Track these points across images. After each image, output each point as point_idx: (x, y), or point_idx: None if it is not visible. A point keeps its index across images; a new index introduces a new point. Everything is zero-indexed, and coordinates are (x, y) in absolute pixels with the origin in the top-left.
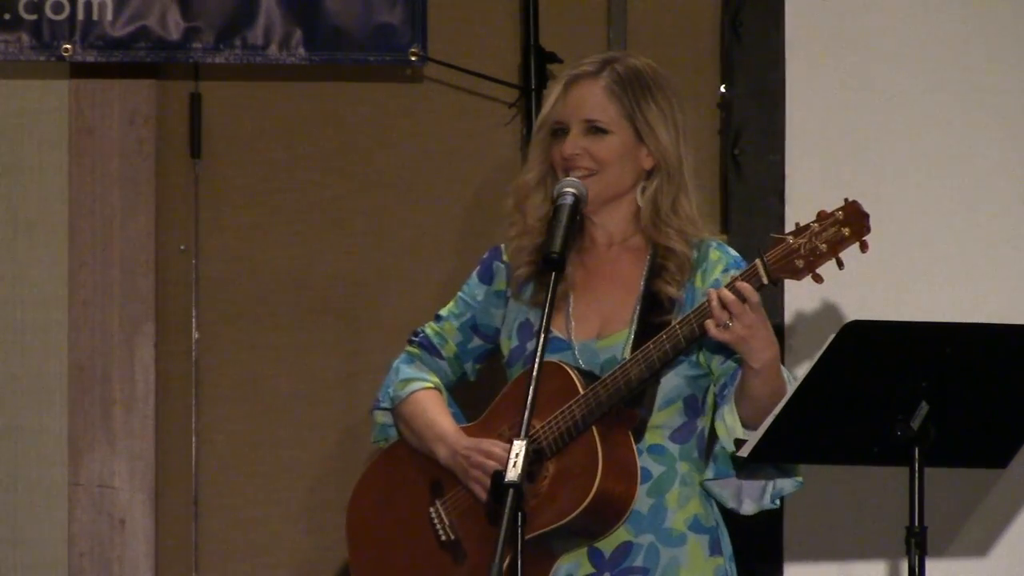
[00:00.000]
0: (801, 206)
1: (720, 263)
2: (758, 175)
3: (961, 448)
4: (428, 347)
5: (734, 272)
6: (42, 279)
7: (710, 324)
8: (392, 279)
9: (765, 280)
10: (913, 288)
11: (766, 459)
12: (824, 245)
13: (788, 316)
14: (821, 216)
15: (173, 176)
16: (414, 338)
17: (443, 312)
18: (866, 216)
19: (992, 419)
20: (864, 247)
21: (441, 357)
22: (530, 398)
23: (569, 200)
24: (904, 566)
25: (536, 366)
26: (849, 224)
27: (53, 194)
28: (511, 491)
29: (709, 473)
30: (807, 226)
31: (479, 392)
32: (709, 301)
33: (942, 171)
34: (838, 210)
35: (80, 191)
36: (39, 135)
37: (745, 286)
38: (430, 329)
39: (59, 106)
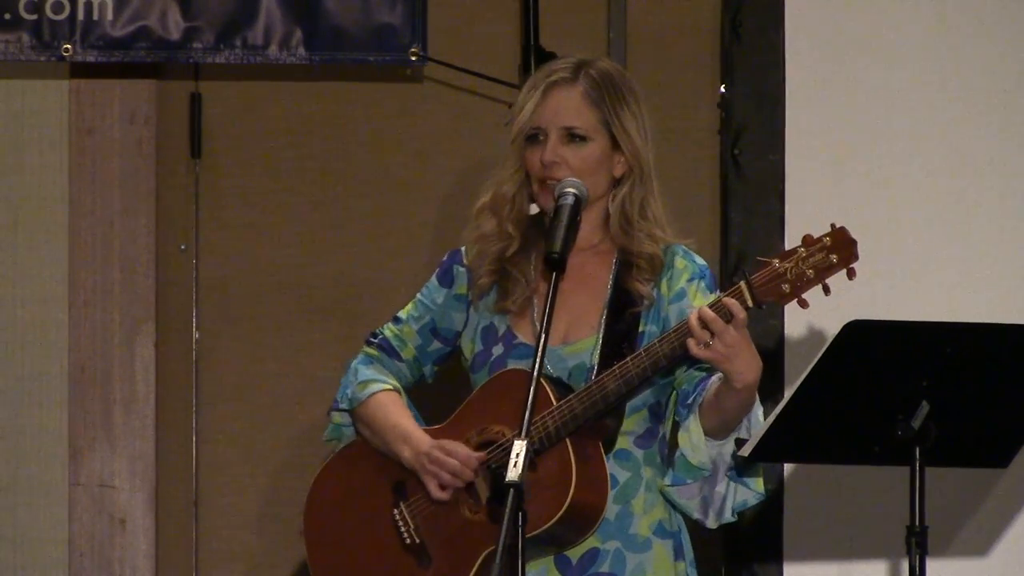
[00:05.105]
0: (801, 206)
1: (685, 272)
2: (758, 175)
3: (962, 448)
4: (387, 349)
5: (698, 283)
6: (42, 279)
7: (691, 343)
8: (391, 279)
9: (750, 303)
10: (913, 288)
11: (766, 459)
12: (811, 271)
13: (788, 316)
14: (807, 241)
15: (173, 176)
16: (372, 339)
17: (402, 314)
18: (854, 243)
19: (993, 419)
20: (851, 274)
21: (400, 359)
22: (530, 399)
23: (569, 200)
24: (904, 566)
25: (536, 369)
26: (838, 251)
27: (53, 194)
28: (511, 491)
29: (667, 480)
30: (794, 250)
31: (438, 395)
32: (689, 320)
33: (942, 171)
34: (825, 236)
35: (80, 191)
36: (39, 135)
37: (732, 302)
38: (389, 331)
39: (59, 106)
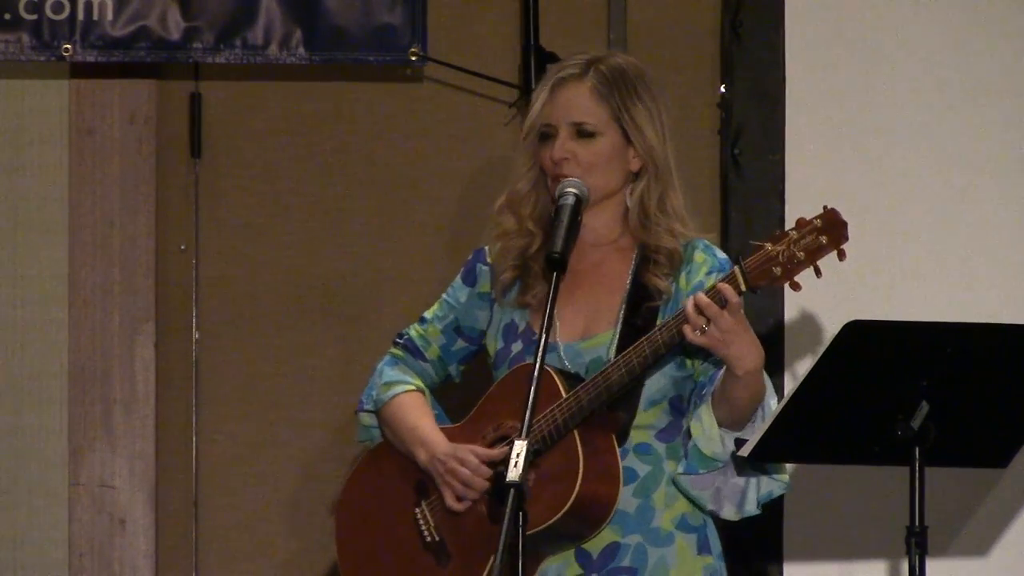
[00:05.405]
0: (801, 206)
1: (704, 265)
2: (758, 175)
3: (961, 448)
4: (412, 349)
5: (716, 276)
6: (42, 279)
7: (687, 329)
8: (392, 279)
9: (743, 287)
10: (913, 288)
11: (766, 459)
12: (802, 253)
13: (788, 316)
14: (800, 224)
15: (173, 176)
16: (398, 340)
17: (428, 314)
18: (844, 224)
19: (992, 419)
20: (842, 255)
21: (425, 359)
22: (531, 398)
23: (570, 200)
24: (904, 566)
25: (537, 367)
26: (827, 232)
27: (53, 194)
28: (512, 491)
29: (680, 468)
30: (786, 233)
31: (464, 393)
32: (685, 306)
33: (942, 171)
34: (816, 218)
35: (80, 191)
36: (39, 135)
37: (725, 287)
38: (414, 331)
39: (59, 106)
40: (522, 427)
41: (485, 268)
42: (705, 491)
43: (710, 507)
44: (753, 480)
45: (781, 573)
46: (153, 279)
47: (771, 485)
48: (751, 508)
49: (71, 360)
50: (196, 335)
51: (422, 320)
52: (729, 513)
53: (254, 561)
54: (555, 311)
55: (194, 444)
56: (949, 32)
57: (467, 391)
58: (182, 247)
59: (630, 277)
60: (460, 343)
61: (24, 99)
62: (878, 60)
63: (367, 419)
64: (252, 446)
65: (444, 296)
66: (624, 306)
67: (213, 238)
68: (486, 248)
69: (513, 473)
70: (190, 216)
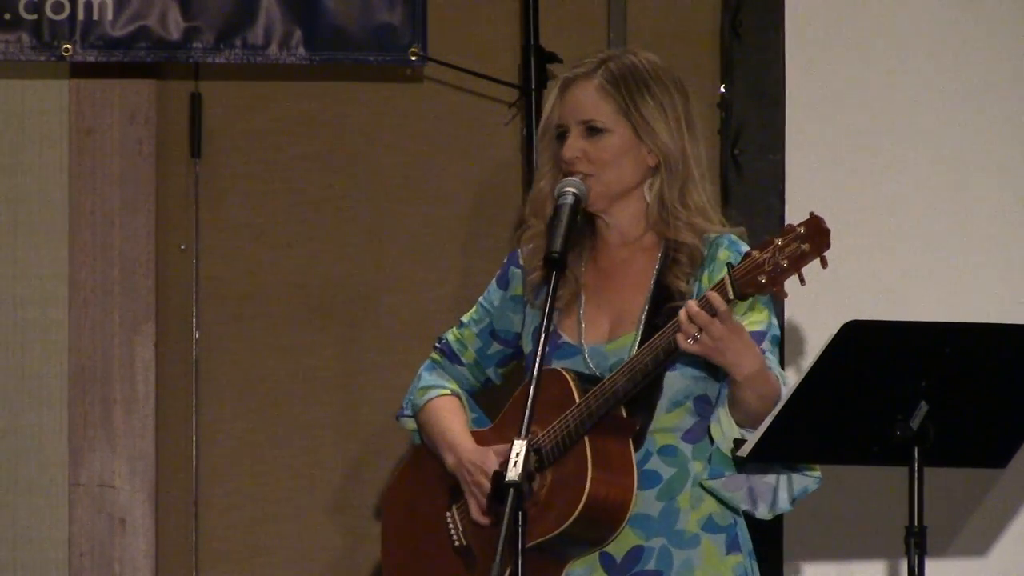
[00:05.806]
0: (801, 206)
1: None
2: (758, 175)
3: (961, 448)
4: (449, 354)
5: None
6: (42, 279)
7: (680, 337)
8: (392, 279)
9: (731, 295)
10: (913, 288)
11: (766, 459)
12: (785, 261)
13: (788, 316)
14: (785, 230)
15: (173, 176)
16: (437, 344)
17: (465, 318)
18: (827, 232)
19: (992, 419)
20: (824, 263)
21: (461, 363)
22: (530, 400)
23: (569, 200)
24: (904, 566)
25: (537, 367)
26: (809, 240)
27: (53, 194)
28: (511, 491)
29: (704, 473)
30: (772, 240)
31: (507, 396)
32: (679, 315)
33: (942, 171)
34: (800, 225)
35: (80, 191)
36: (39, 135)
37: (713, 295)
38: (452, 335)
39: (59, 106)
40: (521, 427)
41: (517, 271)
42: (738, 492)
43: (744, 507)
44: (784, 477)
45: (781, 573)
46: (153, 279)
47: (804, 482)
48: (784, 505)
49: (71, 360)
50: (196, 335)
51: (460, 324)
52: (763, 512)
53: (254, 561)
54: (581, 313)
55: (194, 444)
56: (949, 32)
57: (510, 394)
58: (182, 247)
59: (654, 277)
60: (495, 346)
61: (24, 99)
62: (878, 60)
63: (410, 423)
64: (252, 446)
65: (480, 299)
66: (647, 307)
67: (213, 238)
68: (519, 251)
69: (512, 473)
70: (190, 216)
